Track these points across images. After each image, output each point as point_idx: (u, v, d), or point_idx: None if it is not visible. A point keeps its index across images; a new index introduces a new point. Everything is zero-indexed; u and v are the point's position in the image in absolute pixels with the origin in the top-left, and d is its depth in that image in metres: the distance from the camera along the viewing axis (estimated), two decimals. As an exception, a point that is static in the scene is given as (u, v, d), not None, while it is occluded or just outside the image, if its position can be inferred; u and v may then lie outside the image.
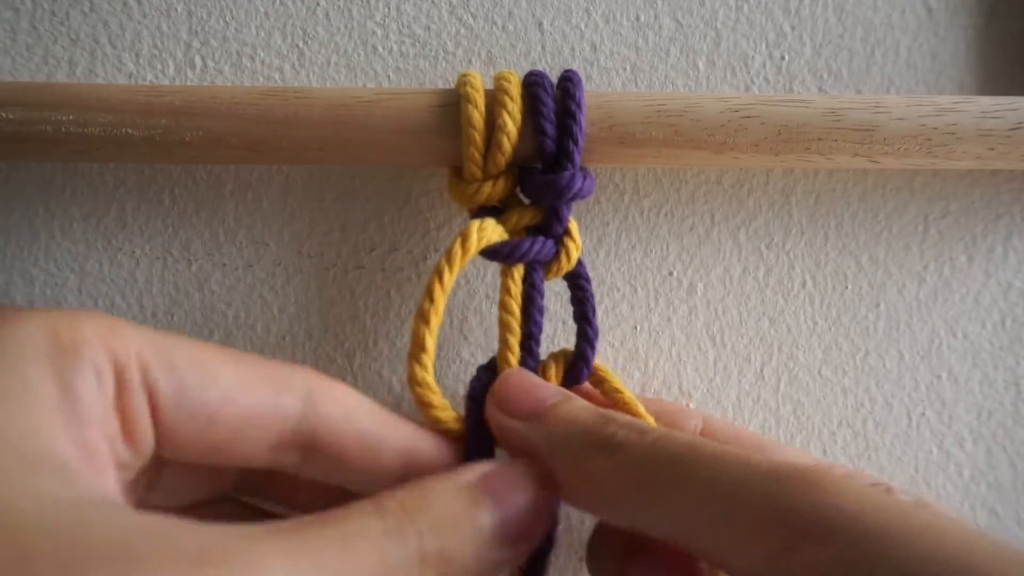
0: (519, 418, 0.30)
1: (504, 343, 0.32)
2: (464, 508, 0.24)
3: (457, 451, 0.30)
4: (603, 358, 0.37)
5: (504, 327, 0.32)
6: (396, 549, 0.21)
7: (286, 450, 0.25)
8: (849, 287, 0.38)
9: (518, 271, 0.32)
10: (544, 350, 0.33)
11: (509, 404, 0.30)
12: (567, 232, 0.33)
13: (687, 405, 0.37)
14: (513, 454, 0.30)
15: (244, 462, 0.25)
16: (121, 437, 0.22)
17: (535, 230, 0.33)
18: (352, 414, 0.26)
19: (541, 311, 0.32)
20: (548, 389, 0.31)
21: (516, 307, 0.32)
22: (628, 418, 0.28)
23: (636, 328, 0.37)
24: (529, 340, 0.32)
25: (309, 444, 0.25)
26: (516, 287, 0.32)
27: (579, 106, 0.31)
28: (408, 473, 0.27)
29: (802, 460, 0.30)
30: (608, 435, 0.27)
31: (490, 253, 0.32)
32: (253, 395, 0.24)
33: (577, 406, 0.29)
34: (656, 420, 0.32)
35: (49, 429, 0.19)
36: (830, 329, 0.38)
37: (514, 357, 0.31)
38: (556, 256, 0.33)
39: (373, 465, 0.26)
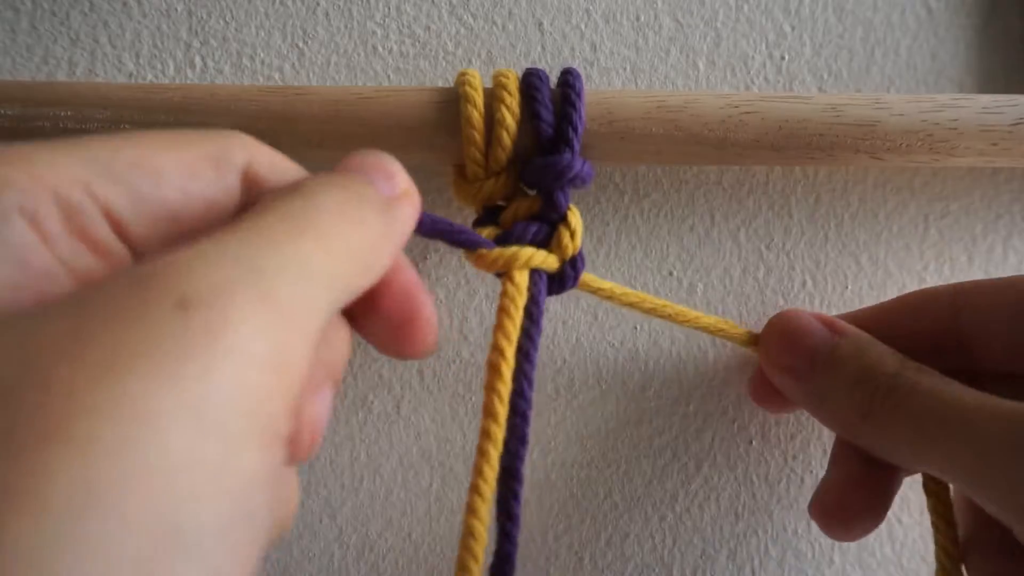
0: (793, 377, 0.33)
1: (498, 350, 0.30)
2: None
3: None
4: (603, 358, 0.37)
5: (499, 329, 0.30)
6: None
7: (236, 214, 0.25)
8: (849, 287, 0.38)
9: (520, 277, 0.31)
10: (542, 354, 0.32)
11: (781, 361, 0.34)
12: (564, 219, 0.32)
13: (686, 404, 0.37)
14: (792, 397, 0.34)
15: None
16: (94, 258, 0.21)
17: (534, 218, 0.32)
18: (286, 173, 0.26)
19: (537, 322, 0.31)
20: (817, 335, 0.33)
21: (518, 313, 0.30)
22: (889, 359, 0.31)
23: (636, 328, 0.37)
24: (527, 350, 0.30)
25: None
26: (518, 291, 0.31)
27: (578, 95, 0.31)
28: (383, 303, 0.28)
29: None
30: (900, 394, 0.30)
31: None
32: (202, 180, 0.23)
33: (845, 355, 0.32)
34: (908, 314, 0.35)
35: None
36: (830, 329, 0.38)
37: (507, 365, 0.29)
38: (549, 241, 0.32)
39: None
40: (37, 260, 0.20)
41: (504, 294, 0.30)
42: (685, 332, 0.37)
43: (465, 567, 0.27)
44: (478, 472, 0.28)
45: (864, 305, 0.37)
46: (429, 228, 0.29)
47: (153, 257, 0.19)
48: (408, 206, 0.26)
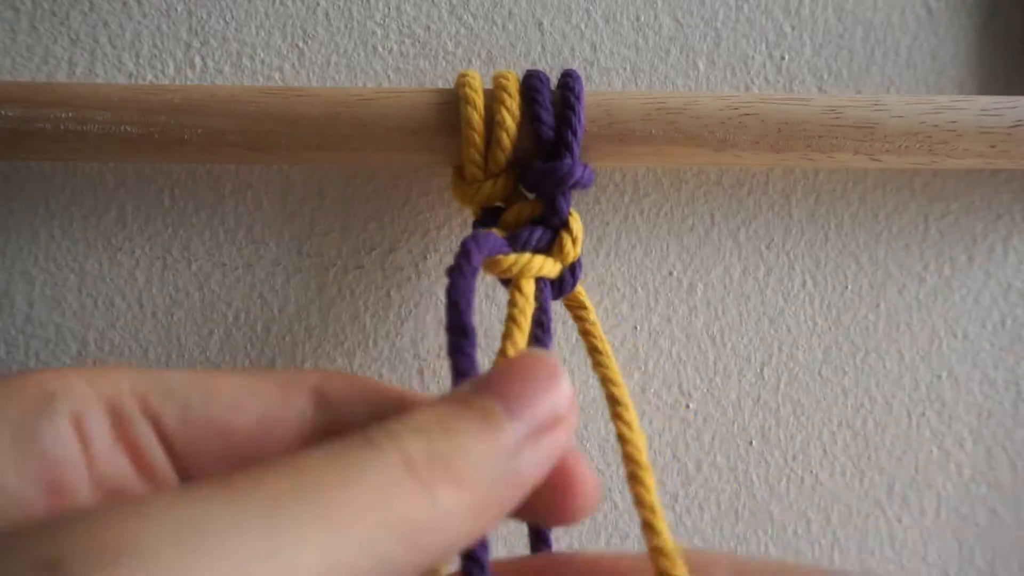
0: None
1: (504, 354, 0.29)
2: (455, 409, 0.21)
3: None
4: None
5: (508, 337, 0.29)
6: (376, 460, 0.18)
7: (304, 438, 0.23)
8: (849, 287, 0.38)
9: (527, 285, 0.30)
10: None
11: None
12: (565, 225, 0.32)
13: (685, 404, 0.37)
14: None
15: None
16: (134, 471, 0.21)
17: (535, 222, 0.32)
18: (363, 393, 0.24)
19: (547, 330, 0.31)
20: None
21: (526, 321, 0.29)
22: None
23: (636, 328, 0.37)
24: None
25: (327, 428, 0.23)
26: (526, 301, 0.30)
27: (578, 98, 0.31)
28: None
29: None
30: None
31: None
32: (261, 400, 0.22)
33: None
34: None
35: None
36: (830, 329, 0.38)
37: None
38: (550, 247, 0.32)
39: None
40: (69, 465, 0.20)
41: (512, 303, 0.30)
42: (685, 332, 0.37)
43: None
44: None
45: (864, 305, 0.37)
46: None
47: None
48: (549, 441, 0.21)
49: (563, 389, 0.21)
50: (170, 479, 0.22)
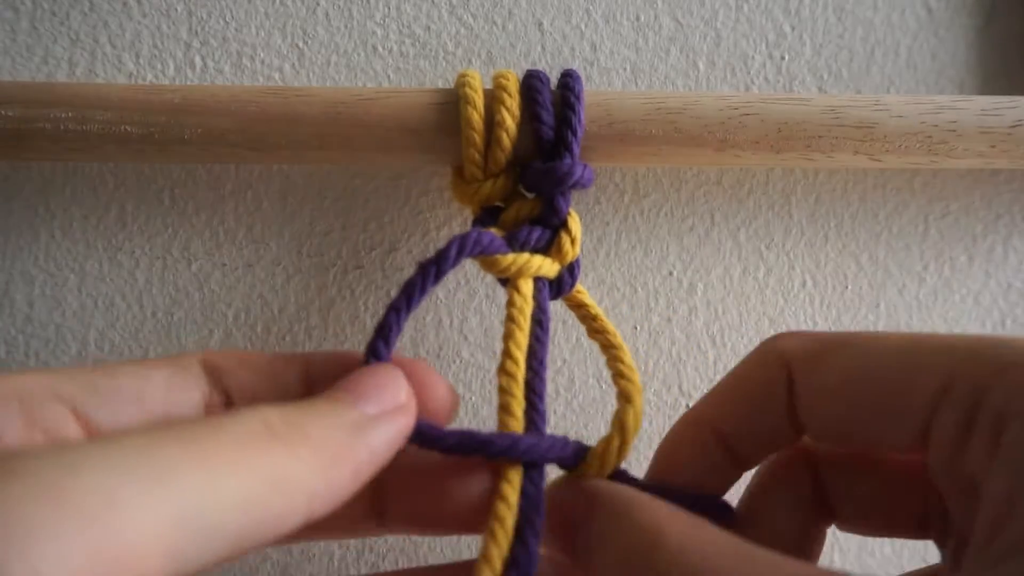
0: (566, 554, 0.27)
1: (507, 354, 0.29)
2: (310, 399, 0.24)
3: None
4: (603, 358, 0.37)
5: (509, 338, 0.29)
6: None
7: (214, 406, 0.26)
8: (849, 287, 0.38)
9: (526, 284, 0.31)
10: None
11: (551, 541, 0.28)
12: (564, 225, 0.32)
13: (686, 404, 0.37)
14: None
15: None
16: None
17: (534, 222, 0.32)
18: (247, 363, 0.27)
19: (546, 329, 0.30)
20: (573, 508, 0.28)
21: (525, 321, 0.30)
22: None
23: (636, 328, 0.37)
24: (532, 359, 0.30)
25: (225, 399, 0.26)
26: (524, 301, 0.30)
27: (578, 98, 0.31)
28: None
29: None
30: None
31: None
32: (158, 370, 0.25)
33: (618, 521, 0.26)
34: (749, 407, 0.28)
35: None
36: (830, 329, 0.38)
37: (519, 370, 0.29)
38: (549, 246, 0.32)
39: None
40: None
41: (511, 303, 0.30)
42: (685, 332, 0.37)
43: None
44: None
45: (864, 305, 0.37)
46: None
47: None
48: (389, 425, 0.24)
49: (401, 384, 0.25)
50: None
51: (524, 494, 0.27)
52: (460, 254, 0.29)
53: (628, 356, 0.30)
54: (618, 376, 0.30)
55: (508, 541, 0.26)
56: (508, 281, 0.31)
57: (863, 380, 0.25)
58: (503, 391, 0.28)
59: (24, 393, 0.22)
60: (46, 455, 0.17)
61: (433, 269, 0.29)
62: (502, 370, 0.29)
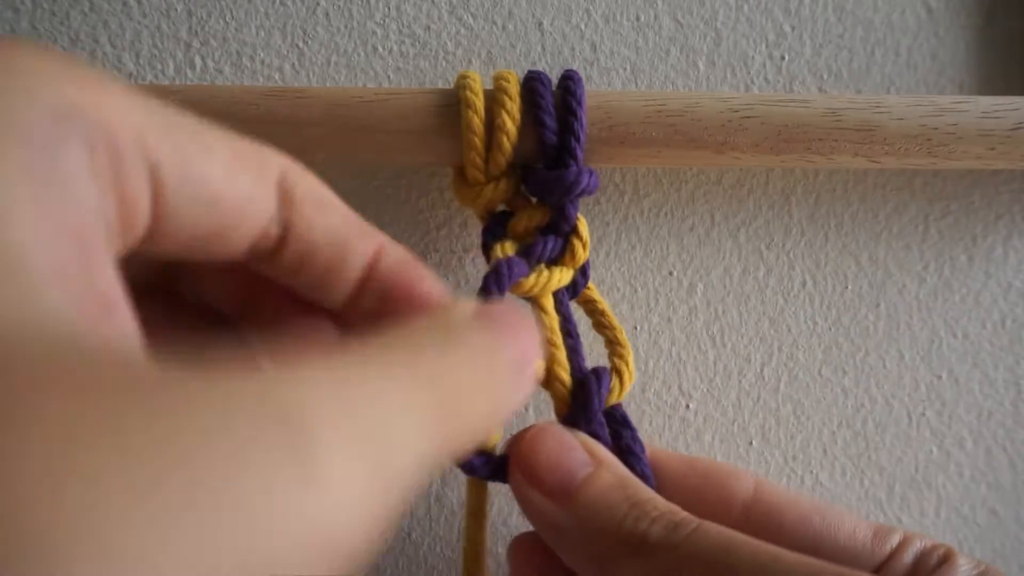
0: (545, 493, 0.29)
1: (553, 375, 0.32)
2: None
3: (421, 274, 0.25)
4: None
5: (550, 359, 0.32)
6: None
7: (262, 240, 0.22)
8: (849, 287, 0.38)
9: (548, 302, 0.32)
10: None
11: (536, 474, 0.29)
12: (574, 231, 0.33)
13: (686, 404, 0.37)
14: (537, 526, 0.29)
15: (226, 256, 0.21)
16: (118, 224, 0.18)
17: (544, 230, 0.33)
18: (326, 208, 0.23)
19: (576, 336, 0.33)
20: (578, 456, 0.29)
21: (557, 337, 0.32)
22: (661, 505, 0.27)
23: (636, 328, 0.37)
24: (574, 370, 0.32)
25: (281, 235, 0.22)
26: (551, 318, 0.32)
27: (580, 103, 0.31)
28: (370, 285, 0.24)
29: (858, 534, 0.29)
30: (640, 534, 0.26)
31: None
32: (248, 173, 0.21)
33: (607, 486, 0.28)
34: (704, 482, 0.31)
35: (19, 228, 0.15)
36: (830, 329, 0.38)
37: (565, 372, 0.32)
38: (562, 254, 0.33)
39: (338, 268, 0.23)
40: (85, 207, 0.17)
41: (538, 323, 0.32)
42: (685, 332, 0.37)
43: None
44: None
45: (864, 305, 0.38)
46: None
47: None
48: (532, 377, 0.22)
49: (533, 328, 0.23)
50: (137, 238, 0.19)
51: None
52: (502, 292, 0.30)
53: (630, 355, 0.32)
54: (615, 372, 0.32)
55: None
56: (531, 299, 0.32)
57: None
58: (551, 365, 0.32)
59: (117, 140, 0.17)
60: (337, 376, 0.16)
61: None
62: (551, 389, 0.32)
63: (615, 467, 0.29)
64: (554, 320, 0.32)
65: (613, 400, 0.32)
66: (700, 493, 0.30)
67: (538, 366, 0.23)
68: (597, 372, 0.32)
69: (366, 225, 0.24)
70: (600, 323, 0.33)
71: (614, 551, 0.27)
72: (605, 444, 0.31)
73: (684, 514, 0.27)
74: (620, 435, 0.31)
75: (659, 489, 0.30)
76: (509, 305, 0.23)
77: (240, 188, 0.20)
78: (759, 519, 0.29)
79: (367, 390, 0.16)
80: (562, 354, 0.31)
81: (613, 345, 0.33)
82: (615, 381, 0.32)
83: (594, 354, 0.34)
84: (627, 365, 0.32)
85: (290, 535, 0.13)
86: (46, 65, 0.16)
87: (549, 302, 0.32)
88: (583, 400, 0.31)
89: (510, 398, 0.21)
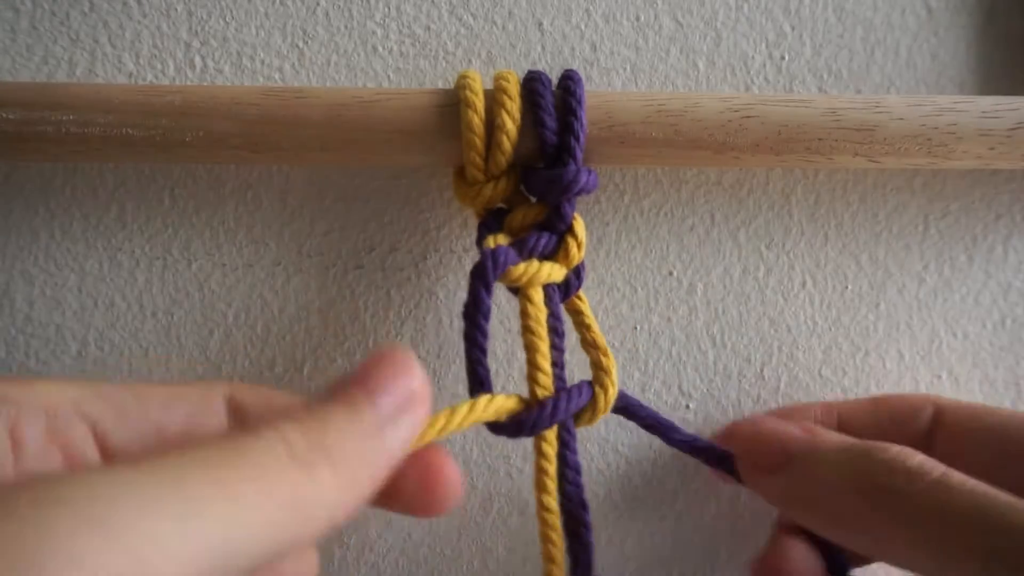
0: (769, 472, 0.32)
1: (534, 365, 0.31)
2: (325, 403, 0.24)
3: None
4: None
5: (532, 349, 0.31)
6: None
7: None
8: (849, 287, 0.38)
9: (536, 293, 0.31)
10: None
11: (762, 460, 0.32)
12: (570, 229, 0.32)
13: (686, 404, 0.37)
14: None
15: None
16: (63, 464, 0.23)
17: (540, 227, 0.33)
18: (269, 403, 0.27)
19: (561, 335, 0.32)
20: (791, 432, 0.32)
21: (542, 329, 0.31)
22: (893, 452, 0.29)
23: (636, 328, 0.37)
24: (552, 366, 0.31)
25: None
26: (537, 309, 0.31)
27: (580, 103, 0.31)
28: None
29: None
30: (880, 485, 0.28)
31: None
32: (187, 402, 0.25)
33: (832, 449, 0.31)
34: (888, 419, 0.33)
35: None
36: (830, 329, 0.38)
37: (547, 377, 0.31)
38: (556, 252, 0.32)
39: None
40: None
41: (525, 314, 0.31)
42: (685, 332, 0.37)
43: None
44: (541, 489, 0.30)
45: (864, 305, 0.38)
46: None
47: None
48: (405, 423, 0.24)
49: (415, 373, 0.24)
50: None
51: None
52: (496, 271, 0.30)
53: (613, 384, 0.32)
54: (593, 397, 0.32)
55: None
56: (518, 290, 0.31)
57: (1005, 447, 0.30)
58: (533, 364, 0.31)
59: (51, 406, 0.23)
60: (89, 484, 0.18)
61: (476, 303, 0.30)
62: (532, 380, 0.31)
63: (831, 435, 0.32)
64: (541, 312, 0.31)
65: (583, 423, 0.32)
66: (886, 434, 0.32)
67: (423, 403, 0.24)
68: (574, 390, 0.31)
69: (297, 399, 0.29)
70: (585, 340, 0.33)
71: (851, 501, 0.29)
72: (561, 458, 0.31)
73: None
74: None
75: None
76: (381, 352, 0.24)
77: (181, 411, 0.25)
78: (945, 445, 0.32)
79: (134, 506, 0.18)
80: (545, 346, 0.31)
81: (596, 370, 0.32)
82: (588, 409, 0.32)
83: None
84: (605, 394, 0.32)
85: None
86: None
87: (538, 293, 0.31)
88: (549, 411, 0.31)
89: (381, 449, 0.23)
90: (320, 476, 0.21)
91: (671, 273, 0.37)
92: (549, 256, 0.32)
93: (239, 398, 0.26)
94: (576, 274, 0.33)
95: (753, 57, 0.37)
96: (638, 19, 0.37)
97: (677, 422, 0.37)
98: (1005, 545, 0.25)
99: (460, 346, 0.36)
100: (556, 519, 0.30)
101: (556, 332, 0.32)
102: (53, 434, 0.23)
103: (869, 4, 0.38)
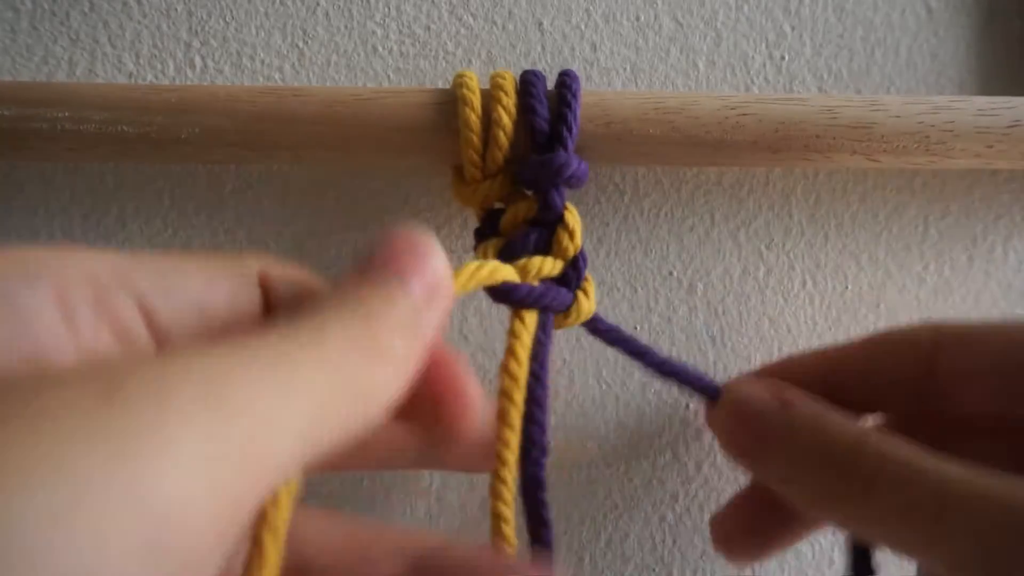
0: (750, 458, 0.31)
1: (506, 396, 0.28)
2: (366, 292, 0.23)
3: None
4: (603, 358, 0.37)
5: (510, 377, 0.28)
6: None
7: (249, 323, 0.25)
8: (849, 287, 0.38)
9: (530, 316, 0.29)
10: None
11: (737, 440, 0.31)
12: (561, 220, 0.32)
13: (686, 404, 0.37)
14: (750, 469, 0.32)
15: None
16: (117, 344, 0.22)
17: (533, 222, 0.32)
18: (301, 282, 0.26)
19: (549, 332, 0.30)
20: (765, 409, 0.31)
21: (524, 351, 0.29)
22: (884, 442, 0.28)
23: (636, 328, 0.37)
24: (533, 396, 0.28)
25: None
26: (527, 332, 0.29)
27: (575, 96, 0.31)
28: None
29: None
30: (868, 470, 0.27)
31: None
32: (228, 279, 0.24)
33: (827, 422, 0.29)
34: (885, 356, 0.32)
35: None
36: (830, 329, 0.38)
37: (516, 410, 0.28)
38: (548, 247, 0.32)
39: None
40: (51, 337, 0.20)
41: (509, 334, 0.29)
42: (685, 332, 0.37)
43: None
44: (499, 480, 0.27)
45: (864, 305, 0.37)
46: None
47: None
48: (441, 302, 0.23)
49: (439, 254, 0.24)
50: (150, 349, 0.22)
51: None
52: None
53: (592, 286, 0.32)
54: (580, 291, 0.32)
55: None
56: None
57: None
58: (505, 395, 0.28)
59: (97, 279, 0.21)
60: (204, 361, 0.18)
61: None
62: (505, 374, 0.28)
63: (805, 407, 0.31)
64: (527, 336, 0.29)
65: (566, 324, 0.32)
66: (885, 373, 0.32)
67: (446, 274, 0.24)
68: (561, 288, 0.31)
69: (319, 281, 0.27)
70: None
71: (837, 485, 0.28)
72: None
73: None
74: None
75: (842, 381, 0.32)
76: (403, 234, 0.24)
77: (220, 289, 0.24)
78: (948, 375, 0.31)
79: (237, 394, 0.18)
80: (521, 370, 0.28)
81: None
82: (573, 310, 0.31)
83: (596, 353, 0.34)
84: (588, 298, 0.32)
85: (113, 511, 0.15)
86: (14, 250, 0.21)
87: (531, 317, 0.30)
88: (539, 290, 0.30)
89: (418, 336, 0.22)
90: (379, 374, 0.21)
91: (671, 273, 0.37)
92: (542, 251, 0.32)
93: (269, 276, 0.25)
94: (573, 266, 0.32)
95: (753, 57, 0.37)
96: (638, 19, 0.37)
97: (677, 422, 0.37)
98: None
99: (460, 346, 0.36)
100: (520, 395, 0.28)
101: (537, 359, 0.29)
102: (102, 308, 0.21)
103: (869, 4, 0.38)
